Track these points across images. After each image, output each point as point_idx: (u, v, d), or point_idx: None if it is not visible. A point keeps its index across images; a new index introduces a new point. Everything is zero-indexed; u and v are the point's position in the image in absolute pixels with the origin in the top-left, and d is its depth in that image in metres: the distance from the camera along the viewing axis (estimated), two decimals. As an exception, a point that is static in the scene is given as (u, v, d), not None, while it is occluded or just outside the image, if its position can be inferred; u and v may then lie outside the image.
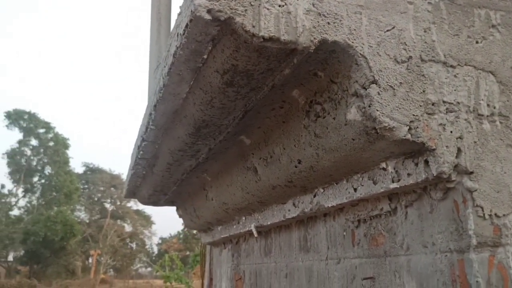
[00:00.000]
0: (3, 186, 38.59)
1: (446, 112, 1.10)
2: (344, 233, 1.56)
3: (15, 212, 39.38)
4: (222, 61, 1.18)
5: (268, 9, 1.05)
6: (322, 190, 1.56)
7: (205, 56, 1.22)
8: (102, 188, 48.95)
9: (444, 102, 1.11)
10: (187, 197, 2.92)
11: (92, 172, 48.95)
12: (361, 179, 1.34)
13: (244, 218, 2.34)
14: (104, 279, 40.77)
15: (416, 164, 1.12)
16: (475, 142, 1.10)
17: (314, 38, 1.06)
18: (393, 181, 1.20)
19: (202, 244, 3.98)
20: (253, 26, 1.03)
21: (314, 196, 1.62)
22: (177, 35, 1.20)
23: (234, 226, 2.50)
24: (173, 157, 2.12)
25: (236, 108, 1.46)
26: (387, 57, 1.10)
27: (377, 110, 1.06)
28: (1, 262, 38.60)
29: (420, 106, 1.09)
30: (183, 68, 1.31)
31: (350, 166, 1.32)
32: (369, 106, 1.07)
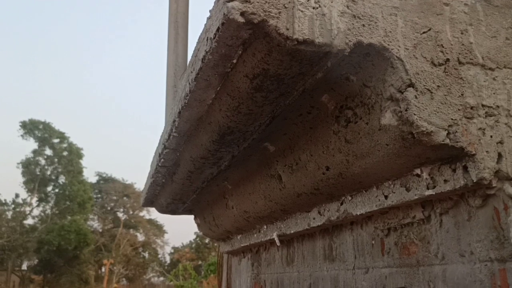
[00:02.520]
0: (17, 196, 39.01)
1: (486, 116, 1.07)
2: (373, 242, 1.52)
3: (29, 221, 39.73)
4: (252, 65, 1.16)
5: (302, 11, 1.03)
6: (350, 198, 1.53)
7: (234, 61, 1.20)
8: (115, 198, 49.21)
9: (483, 106, 1.08)
10: (206, 205, 2.90)
11: (105, 181, 49.25)
12: (392, 186, 1.31)
13: (265, 226, 2.30)
14: (117, 289, 40.79)
15: (454, 170, 1.09)
16: (516, 147, 1.06)
17: (349, 41, 1.04)
18: (428, 188, 1.16)
19: (219, 254, 3.95)
20: (287, 29, 1.01)
21: (341, 204, 1.58)
22: (207, 39, 1.18)
23: (255, 235, 2.47)
24: (195, 165, 2.11)
25: (263, 114, 1.44)
26: (424, 60, 1.07)
27: (415, 114, 1.03)
28: (15, 271, 38.84)
29: (459, 110, 1.06)
30: (211, 73, 1.29)
31: (381, 173, 1.29)
32: (406, 110, 1.03)
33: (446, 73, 1.08)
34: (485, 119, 1.07)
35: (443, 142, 1.03)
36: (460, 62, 1.09)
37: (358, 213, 1.47)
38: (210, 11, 1.17)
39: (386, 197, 1.34)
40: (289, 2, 1.03)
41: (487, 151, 1.04)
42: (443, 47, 1.10)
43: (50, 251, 36.78)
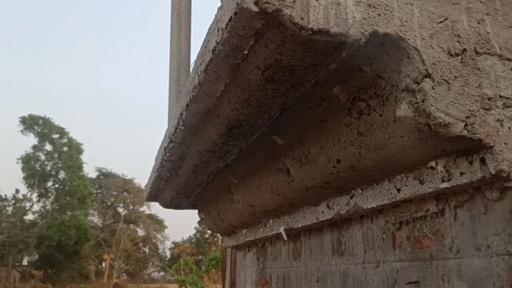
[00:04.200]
0: (17, 191, 38.98)
1: (504, 107, 1.05)
2: (384, 236, 1.51)
3: (29, 216, 39.77)
4: (265, 56, 1.13)
5: (317, 0, 1.01)
6: (360, 191, 1.51)
7: (245, 52, 1.18)
8: (115, 193, 49.24)
9: (501, 96, 1.06)
10: (211, 200, 2.88)
11: (105, 176, 49.27)
12: (405, 179, 1.29)
13: (272, 221, 2.29)
14: (118, 283, 40.98)
15: (471, 162, 1.07)
16: (534, 138, 1.04)
17: (365, 30, 1.01)
18: (443, 181, 1.15)
19: (222, 248, 3.94)
20: (302, 18, 0.99)
21: (351, 197, 1.57)
22: (218, 30, 1.16)
23: (261, 229, 2.45)
24: (201, 159, 2.09)
25: (273, 107, 1.41)
26: (441, 50, 1.05)
27: (432, 105, 1.01)
28: (15, 267, 38.93)
29: (476, 101, 1.04)
30: (221, 64, 1.27)
31: (394, 166, 1.27)
32: (423, 101, 1.02)
33: (463, 64, 1.06)
34: (503, 110, 1.05)
35: (460, 134, 1.01)
36: (477, 52, 1.07)
37: (369, 207, 1.46)
38: (221, 1, 1.15)
39: (398, 190, 1.32)
40: (304, -9, 1.00)
41: (505, 143, 1.02)
42: (459, 37, 1.07)
43: (51, 247, 36.85)
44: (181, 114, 1.73)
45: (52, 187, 40.85)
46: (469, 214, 1.15)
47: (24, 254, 40.11)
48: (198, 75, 1.40)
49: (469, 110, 1.03)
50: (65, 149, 40.15)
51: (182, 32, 3.81)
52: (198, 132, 1.83)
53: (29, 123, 38.72)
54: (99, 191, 49.27)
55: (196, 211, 3.55)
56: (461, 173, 1.09)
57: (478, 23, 1.10)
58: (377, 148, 1.22)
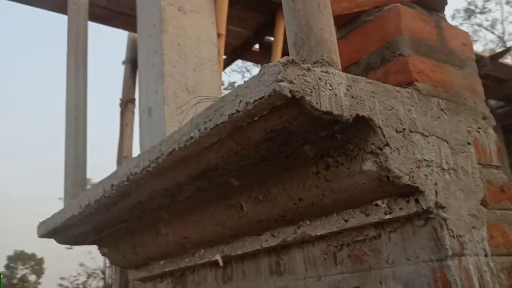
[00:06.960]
0: None
1: (426, 166, 1.64)
2: (325, 256, 1.99)
3: None
4: (275, 123, 1.55)
5: (324, 91, 1.48)
6: (308, 222, 1.98)
7: (255, 118, 1.58)
8: None
9: (424, 160, 1.65)
10: (125, 234, 3.05)
11: None
12: (352, 212, 1.81)
13: (202, 250, 2.61)
14: None
15: (407, 201, 1.63)
16: (443, 187, 1.65)
17: (352, 113, 1.52)
18: (385, 214, 1.69)
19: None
20: (317, 103, 1.45)
21: (298, 227, 2.03)
22: (240, 101, 1.54)
23: (186, 259, 2.75)
24: (151, 196, 2.34)
25: (255, 157, 1.81)
26: (392, 128, 1.60)
27: (391, 164, 1.55)
28: None
29: (413, 162, 1.61)
30: (228, 125, 1.64)
31: (347, 203, 1.78)
32: (385, 161, 1.55)
33: (404, 138, 1.63)
34: (427, 169, 1.64)
35: (407, 183, 1.57)
36: (410, 131, 1.66)
37: (318, 234, 1.93)
38: (246, 81, 1.54)
39: (346, 220, 1.83)
40: (316, 84, 1.47)
41: (430, 189, 1.61)
42: (400, 120, 1.65)
43: None
44: (157, 158, 2.00)
45: None
46: (401, 237, 1.71)
47: None
48: (199, 130, 1.74)
49: (410, 168, 1.59)
50: None
51: (80, 72, 3.93)
52: (164, 172, 2.10)
53: None
54: None
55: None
56: (400, 208, 1.65)
57: (408, 111, 1.70)
58: (341, 191, 1.72)
